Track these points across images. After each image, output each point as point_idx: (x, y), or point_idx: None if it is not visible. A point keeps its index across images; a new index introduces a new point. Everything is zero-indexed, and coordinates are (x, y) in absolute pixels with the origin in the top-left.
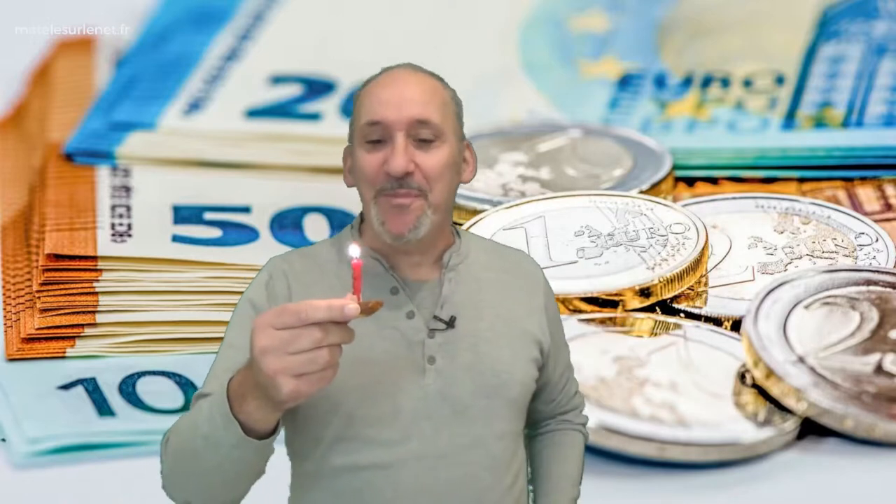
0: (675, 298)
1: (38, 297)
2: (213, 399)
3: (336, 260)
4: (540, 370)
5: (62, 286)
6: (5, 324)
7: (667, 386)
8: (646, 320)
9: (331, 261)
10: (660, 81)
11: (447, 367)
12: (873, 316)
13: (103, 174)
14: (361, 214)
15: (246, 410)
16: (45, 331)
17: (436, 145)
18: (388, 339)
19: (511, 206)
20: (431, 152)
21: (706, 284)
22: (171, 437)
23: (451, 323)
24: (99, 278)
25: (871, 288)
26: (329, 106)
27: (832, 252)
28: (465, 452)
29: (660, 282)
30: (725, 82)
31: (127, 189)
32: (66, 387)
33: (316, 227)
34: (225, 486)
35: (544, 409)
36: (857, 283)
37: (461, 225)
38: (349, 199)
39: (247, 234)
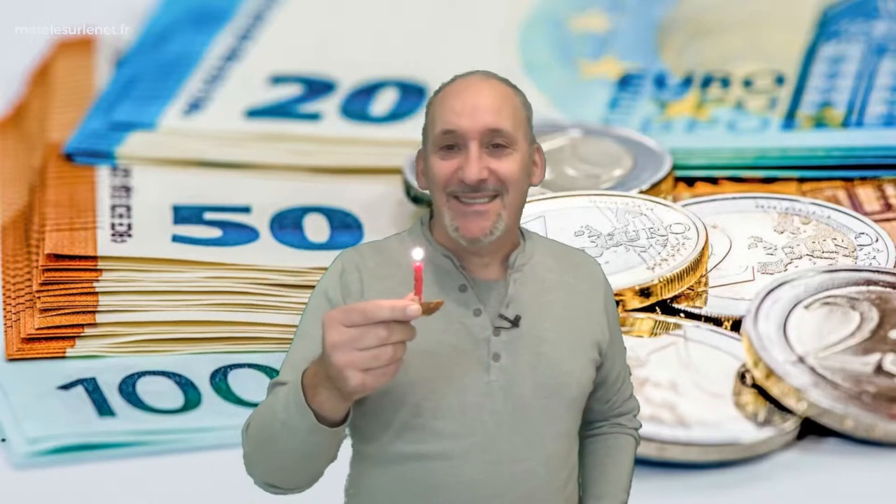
0: (675, 298)
1: (38, 297)
2: (289, 388)
3: (407, 255)
4: (597, 369)
5: (62, 286)
6: (5, 324)
7: (667, 386)
8: (646, 320)
9: (403, 255)
10: (660, 81)
11: (511, 365)
12: (873, 316)
13: (103, 174)
14: (432, 210)
15: (318, 400)
16: (45, 331)
17: (508, 152)
18: (455, 335)
19: None
20: (504, 158)
21: (706, 284)
22: (251, 423)
23: (515, 322)
24: (99, 278)
25: (871, 288)
26: (329, 106)
27: (832, 252)
28: (524, 449)
29: (660, 282)
30: (725, 82)
31: (127, 189)
32: (66, 387)
33: (316, 227)
34: (302, 467)
35: (599, 409)
36: (857, 283)
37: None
38: (349, 199)
39: (247, 234)
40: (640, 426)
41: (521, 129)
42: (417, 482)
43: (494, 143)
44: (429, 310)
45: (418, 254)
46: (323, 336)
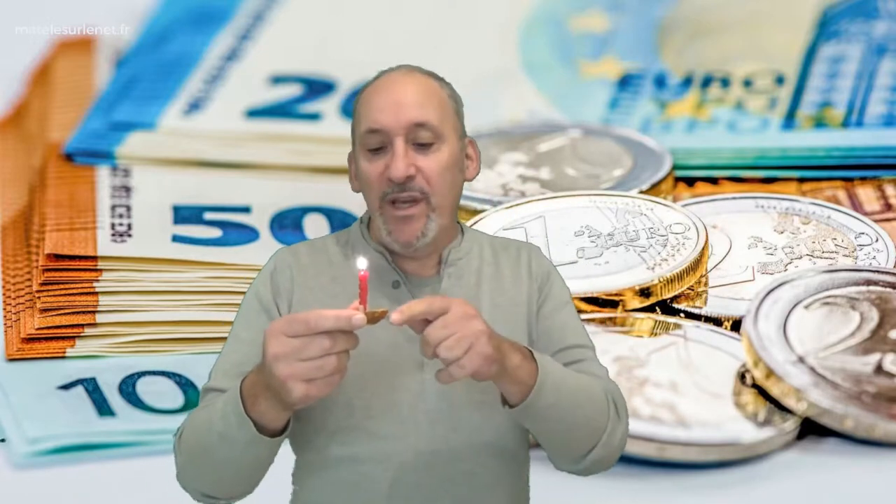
0: (675, 298)
1: (38, 297)
2: (226, 398)
3: (342, 254)
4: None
5: (62, 286)
6: (5, 324)
7: (667, 386)
8: (646, 320)
9: (337, 254)
10: (660, 81)
11: None
12: (873, 316)
13: (103, 174)
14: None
15: (258, 410)
16: (45, 331)
17: (436, 147)
18: (388, 333)
19: (511, 206)
20: (432, 155)
21: (706, 284)
22: (184, 432)
23: None
24: (99, 278)
25: (871, 288)
26: (329, 106)
27: (832, 252)
28: (463, 448)
29: (660, 282)
30: (725, 82)
31: (127, 189)
32: (66, 387)
33: (316, 227)
34: (239, 478)
35: None
36: (857, 283)
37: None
38: (349, 199)
39: (247, 234)
40: (619, 404)
41: (448, 123)
42: (353, 487)
43: (420, 140)
44: (374, 319)
45: (362, 263)
46: (264, 347)
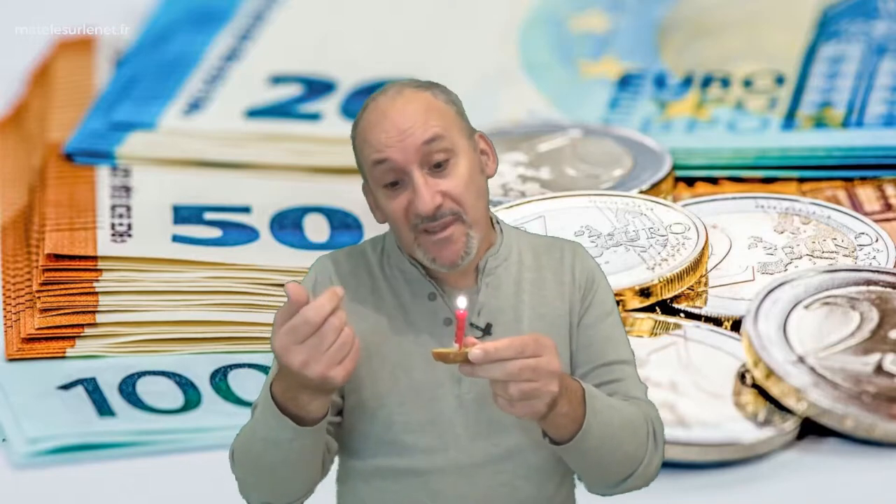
0: (675, 298)
1: (38, 297)
2: (260, 406)
3: (379, 265)
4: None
5: (62, 286)
6: (5, 324)
7: (667, 386)
8: (646, 320)
9: (376, 264)
10: (660, 81)
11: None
12: (873, 316)
13: (103, 174)
14: None
15: (301, 404)
16: (45, 331)
17: (453, 163)
18: (425, 346)
19: (511, 206)
20: (451, 173)
21: (706, 284)
22: (235, 449)
23: (487, 330)
24: (99, 278)
25: (871, 288)
26: (329, 106)
27: (832, 252)
28: (502, 462)
29: (660, 282)
30: (725, 82)
31: (127, 189)
32: (66, 387)
33: (316, 227)
34: (292, 478)
35: None
36: (857, 283)
37: None
38: (349, 199)
39: (247, 234)
40: (658, 430)
41: (455, 130)
42: (395, 498)
43: (434, 161)
44: (453, 360)
45: (462, 302)
46: (284, 363)
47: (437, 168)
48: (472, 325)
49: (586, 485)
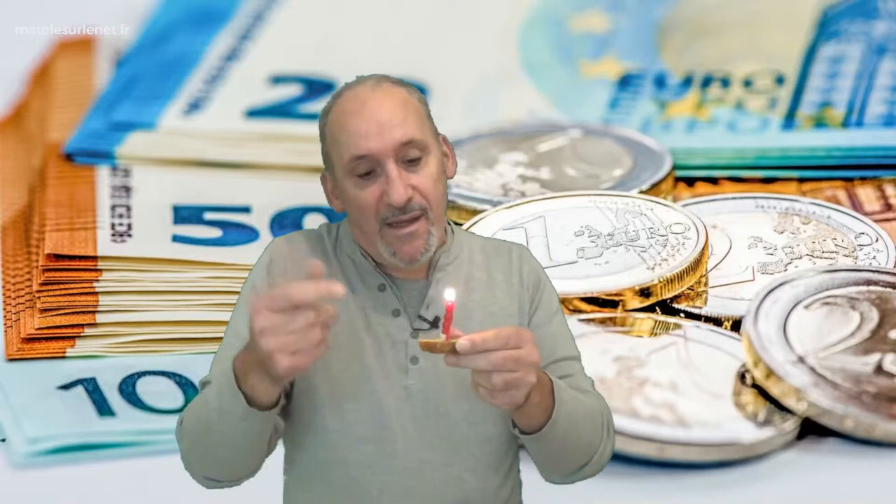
0: (675, 298)
1: (38, 297)
2: (220, 376)
3: (334, 249)
4: None
5: (62, 286)
6: (5, 324)
7: (667, 386)
8: (646, 320)
9: (331, 249)
10: (660, 81)
11: (430, 368)
12: (873, 316)
13: (103, 174)
14: None
15: (249, 384)
16: (45, 331)
17: (424, 161)
18: (374, 336)
19: (511, 206)
20: (422, 170)
21: (706, 284)
22: (184, 418)
23: (434, 323)
24: (99, 278)
25: (871, 288)
26: None
27: (832, 252)
28: (449, 454)
29: (660, 282)
30: (725, 82)
31: (127, 189)
32: (66, 387)
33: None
34: (238, 458)
35: None
36: (857, 283)
37: (461, 225)
38: None
39: (247, 234)
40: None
41: (427, 131)
42: (343, 490)
43: (409, 157)
44: (438, 350)
45: (450, 294)
46: (250, 323)
47: (410, 164)
48: (420, 317)
49: (544, 474)
